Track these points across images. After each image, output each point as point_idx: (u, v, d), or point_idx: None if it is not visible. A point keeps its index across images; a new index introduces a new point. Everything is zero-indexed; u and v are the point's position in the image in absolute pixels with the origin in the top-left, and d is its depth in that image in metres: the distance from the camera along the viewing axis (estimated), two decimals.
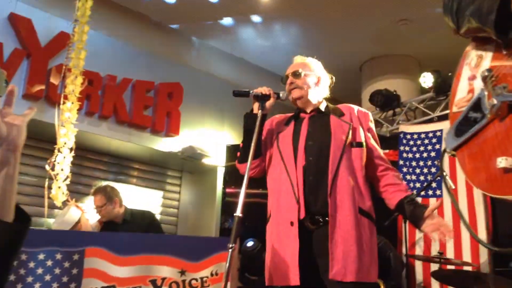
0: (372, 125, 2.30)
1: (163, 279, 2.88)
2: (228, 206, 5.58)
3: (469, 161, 1.15)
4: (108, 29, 5.38)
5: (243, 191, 1.96)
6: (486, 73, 1.10)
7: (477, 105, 1.12)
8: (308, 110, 2.31)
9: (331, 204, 2.02)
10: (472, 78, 1.21)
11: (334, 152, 2.11)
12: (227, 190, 5.75)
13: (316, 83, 2.33)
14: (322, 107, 2.32)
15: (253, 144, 2.07)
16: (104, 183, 5.35)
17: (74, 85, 3.70)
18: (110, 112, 5.16)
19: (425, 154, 4.88)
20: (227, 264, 1.86)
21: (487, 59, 1.17)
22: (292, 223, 2.04)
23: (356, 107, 2.35)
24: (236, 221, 1.89)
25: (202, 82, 6.16)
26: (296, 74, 2.31)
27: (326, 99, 2.41)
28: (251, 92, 2.24)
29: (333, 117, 2.25)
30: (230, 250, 1.84)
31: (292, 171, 2.12)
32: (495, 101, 1.05)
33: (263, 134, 2.32)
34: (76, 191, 5.36)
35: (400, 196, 2.13)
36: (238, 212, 1.90)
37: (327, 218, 2.02)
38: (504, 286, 3.06)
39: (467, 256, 4.15)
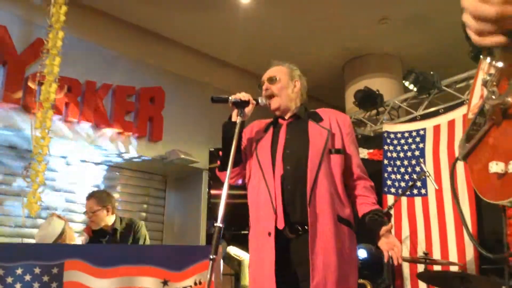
0: (351, 129, 2.26)
1: None
2: (214, 208, 5.54)
3: (475, 168, 1.14)
4: (86, 35, 5.28)
5: (223, 201, 1.92)
6: (487, 78, 1.08)
7: (482, 111, 1.11)
8: (287, 117, 2.28)
9: (311, 214, 1.98)
10: None
11: (312, 161, 2.07)
12: (213, 192, 5.70)
13: (293, 88, 2.30)
14: (301, 113, 2.28)
15: (232, 152, 2.02)
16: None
17: (49, 92, 3.60)
18: (90, 119, 5.07)
19: (409, 153, 4.88)
20: (208, 276, 1.82)
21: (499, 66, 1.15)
22: (269, 234, 2.00)
23: (335, 112, 2.31)
24: (217, 231, 1.85)
25: (184, 85, 6.10)
26: (271, 80, 2.27)
27: (305, 102, 2.37)
28: (229, 98, 2.18)
29: (312, 123, 2.21)
30: (211, 261, 1.81)
31: (270, 181, 2.08)
32: (486, 106, 1.04)
33: (243, 140, 2.28)
34: (60, 200, 5.30)
35: (365, 210, 2.13)
36: (219, 222, 1.86)
37: (306, 227, 1.98)
38: (489, 285, 3.07)
39: (453, 256, 4.15)
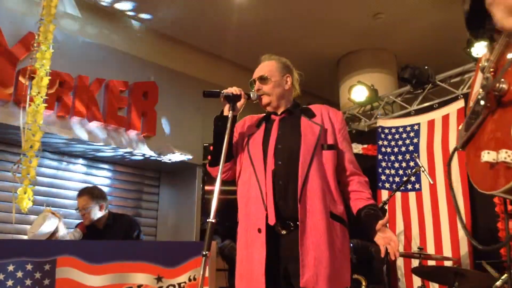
0: (344, 125, 2.25)
1: (139, 286, 2.80)
2: (208, 204, 5.53)
3: (471, 157, 1.12)
4: (78, 29, 5.22)
5: (216, 196, 1.90)
6: (485, 64, 1.06)
7: (479, 98, 1.08)
8: (279, 112, 2.26)
9: (301, 210, 1.97)
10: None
11: (304, 156, 2.05)
12: (206, 187, 5.68)
13: (285, 85, 2.27)
14: (293, 108, 2.26)
15: (224, 147, 2.01)
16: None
17: (40, 87, 3.55)
18: (82, 114, 5.02)
19: (403, 148, 4.88)
20: (201, 272, 1.80)
21: (496, 51, 1.12)
22: (259, 230, 1.98)
23: (327, 107, 2.29)
24: (209, 227, 1.83)
25: (178, 80, 6.05)
26: (262, 79, 2.25)
27: (299, 97, 2.36)
28: (221, 92, 2.16)
29: (304, 119, 2.19)
30: (204, 258, 1.79)
31: (261, 176, 2.06)
32: (481, 95, 1.02)
33: (235, 135, 2.26)
34: (51, 195, 5.25)
35: (359, 205, 2.11)
36: (211, 218, 1.84)
37: (298, 223, 1.96)
38: (483, 280, 3.07)
39: (447, 251, 4.16)
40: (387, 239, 1.99)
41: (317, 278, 1.89)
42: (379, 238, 2.01)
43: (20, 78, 4.51)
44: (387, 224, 2.06)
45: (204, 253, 1.77)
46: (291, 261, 1.96)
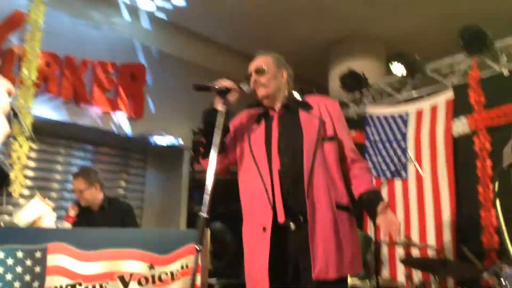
0: (340, 114, 2.27)
1: (131, 274, 2.81)
2: (197, 183, 5.57)
3: None
4: (65, 8, 5.10)
5: (208, 191, 1.85)
6: None
7: None
8: (276, 108, 2.26)
9: (309, 204, 2.00)
10: None
11: (307, 151, 2.08)
12: (196, 168, 5.69)
13: (281, 78, 2.27)
14: (290, 103, 2.26)
15: (218, 142, 1.97)
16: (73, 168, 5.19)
17: (31, 69, 3.47)
18: (69, 95, 4.95)
19: (391, 137, 4.93)
20: (194, 265, 1.81)
21: None
22: (264, 229, 2.01)
23: (323, 98, 2.30)
24: (201, 221, 1.82)
25: (167, 63, 5.98)
26: (259, 71, 2.24)
27: (292, 91, 2.35)
28: (214, 86, 2.10)
29: (302, 113, 2.20)
30: (197, 253, 1.79)
31: (266, 176, 2.07)
32: None
33: (231, 131, 2.25)
34: (38, 178, 5.20)
35: (361, 190, 2.14)
36: (204, 213, 1.82)
37: (307, 217, 2.00)
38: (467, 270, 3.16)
39: (431, 238, 4.25)
40: (389, 222, 2.02)
41: (327, 268, 1.94)
42: (381, 221, 2.04)
43: (6, 59, 4.40)
44: None
45: (198, 248, 1.77)
46: (300, 255, 2.00)
